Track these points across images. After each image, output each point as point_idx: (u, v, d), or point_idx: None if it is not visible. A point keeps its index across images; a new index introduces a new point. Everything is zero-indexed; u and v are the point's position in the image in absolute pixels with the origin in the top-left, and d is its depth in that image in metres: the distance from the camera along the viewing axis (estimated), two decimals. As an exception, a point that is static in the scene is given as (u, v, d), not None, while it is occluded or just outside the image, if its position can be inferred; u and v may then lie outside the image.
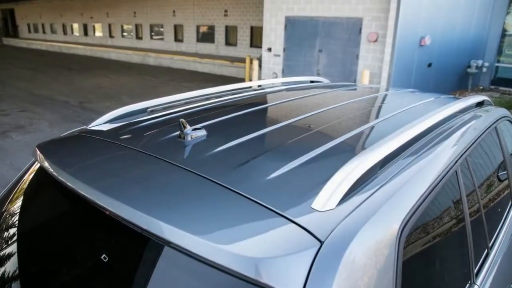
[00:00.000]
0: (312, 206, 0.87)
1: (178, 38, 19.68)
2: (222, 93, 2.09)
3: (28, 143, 5.89)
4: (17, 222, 1.24)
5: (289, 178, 1.00)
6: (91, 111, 8.11)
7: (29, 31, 33.01)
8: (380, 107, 1.97)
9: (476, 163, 1.54)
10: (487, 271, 1.42)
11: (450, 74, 10.73)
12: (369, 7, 8.61)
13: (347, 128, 1.44)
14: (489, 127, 1.76)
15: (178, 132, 1.29)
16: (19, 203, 1.29)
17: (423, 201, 1.01)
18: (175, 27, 19.62)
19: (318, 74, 9.82)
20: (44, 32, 30.97)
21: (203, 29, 18.45)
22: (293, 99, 1.95)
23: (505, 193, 1.87)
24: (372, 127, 1.49)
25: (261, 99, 2.04)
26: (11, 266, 1.11)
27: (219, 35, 17.69)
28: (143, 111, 1.70)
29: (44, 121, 7.27)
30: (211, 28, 17.99)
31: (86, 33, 26.45)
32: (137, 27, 22.03)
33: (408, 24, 8.35)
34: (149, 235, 0.84)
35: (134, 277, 0.90)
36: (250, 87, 2.38)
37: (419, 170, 1.10)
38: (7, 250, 1.16)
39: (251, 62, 11.54)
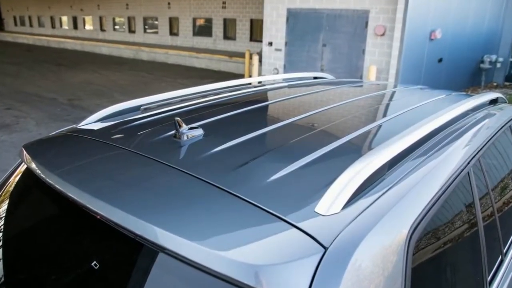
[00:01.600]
0: (316, 210, 0.87)
1: (173, 32, 19.68)
2: (220, 90, 2.09)
3: (14, 143, 5.89)
4: (2, 227, 1.24)
5: (291, 180, 1.00)
6: (80, 109, 8.11)
7: (15, 24, 33.00)
8: (387, 105, 1.97)
9: (489, 164, 1.54)
10: (501, 279, 1.42)
11: (462, 69, 10.73)
12: (376, -2, 8.61)
13: (352, 127, 1.44)
14: (503, 126, 1.76)
15: (173, 132, 1.29)
16: (4, 206, 1.29)
17: (433, 204, 1.01)
18: (170, 20, 19.61)
19: (322, 70, 9.82)
20: (31, 25, 30.95)
21: (200, 22, 18.44)
22: (296, 97, 1.95)
23: (520, 196, 1.87)
24: (379, 126, 1.49)
25: (261, 96, 2.04)
26: (-4, 273, 1.11)
27: (217, 29, 17.69)
28: (136, 109, 1.70)
29: (31, 119, 7.27)
30: (209, 21, 17.99)
31: (75, 26, 26.44)
32: (130, 20, 22.02)
33: (417, 17, 8.35)
34: (143, 240, 0.84)
35: (126, 285, 0.90)
36: (250, 83, 2.38)
37: (429, 172, 1.10)
38: (-8, 257, 1.16)
39: (250, 57, 11.54)
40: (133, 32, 21.91)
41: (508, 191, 1.75)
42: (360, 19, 8.97)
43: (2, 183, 1.37)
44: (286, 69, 10.60)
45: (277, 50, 10.65)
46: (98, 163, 1.16)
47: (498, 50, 11.99)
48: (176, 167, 1.06)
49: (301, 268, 0.73)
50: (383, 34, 8.68)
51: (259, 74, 11.07)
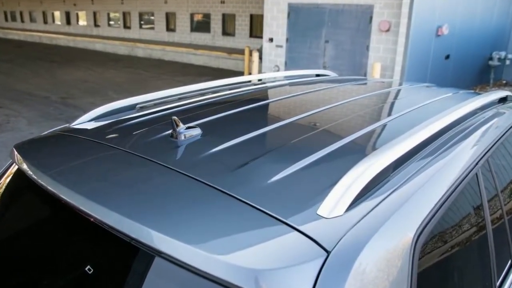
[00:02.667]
0: (318, 212, 0.87)
1: (170, 28, 19.67)
2: (218, 88, 2.09)
3: (5, 143, 5.89)
4: (-8, 230, 1.24)
5: (292, 182, 1.00)
6: (74, 108, 8.11)
7: (6, 20, 33.00)
8: (392, 103, 1.97)
9: (498, 165, 1.54)
10: (510, 284, 1.42)
11: (470, 67, 10.73)
12: (380, -7, 8.61)
13: (356, 126, 1.44)
14: (513, 126, 1.76)
15: (170, 131, 1.29)
16: (-5, 209, 1.29)
17: (440, 207, 1.01)
18: (167, 15, 19.60)
19: (324, 67, 9.82)
20: (22, 20, 30.95)
21: (198, 17, 18.43)
22: (297, 95, 1.95)
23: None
24: (384, 126, 1.49)
25: (261, 94, 2.04)
26: (-14, 278, 1.11)
27: (216, 24, 17.68)
28: (132, 107, 1.70)
29: (22, 118, 7.27)
30: (207, 17, 17.98)
31: (68, 22, 26.42)
32: (125, 15, 22.00)
33: (424, 12, 8.34)
34: (138, 244, 0.84)
35: (121, 290, 0.90)
36: (250, 81, 2.38)
37: (436, 173, 1.10)
38: (-18, 261, 1.16)
39: (250, 54, 11.54)
40: (129, 28, 21.90)
41: (517, 192, 1.75)
42: (364, 14, 8.97)
43: (-8, 185, 1.37)
44: (287, 66, 10.60)
45: (278, 46, 10.65)
46: (92, 163, 1.16)
47: (507, 47, 11.98)
48: (173, 168, 1.06)
49: (303, 272, 0.73)
50: (388, 30, 8.68)
51: (259, 72, 11.07)
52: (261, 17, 12.77)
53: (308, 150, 1.17)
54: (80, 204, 0.94)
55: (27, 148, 1.33)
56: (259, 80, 2.60)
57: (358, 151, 1.26)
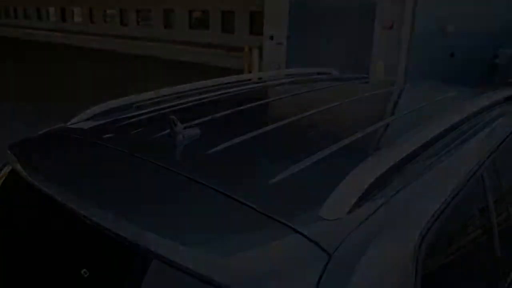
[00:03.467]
0: (320, 214, 0.87)
1: (168, 25, 19.66)
2: (217, 87, 2.09)
3: (-1, 143, 5.89)
4: (-14, 232, 1.24)
5: (293, 182, 1.00)
6: (69, 108, 8.10)
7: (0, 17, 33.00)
8: (396, 102, 1.97)
9: (505, 166, 1.54)
10: (517, 288, 1.42)
11: (475, 64, 10.72)
12: (384, -11, 8.61)
13: (358, 126, 1.44)
14: (519, 125, 1.76)
15: (168, 131, 1.29)
16: (-12, 210, 1.29)
17: (445, 209, 1.01)
18: (165, 12, 19.60)
19: (326, 65, 9.80)
20: (16, 17, 30.94)
21: (197, 14, 18.43)
22: (298, 94, 1.95)
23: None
24: (387, 125, 1.49)
25: (261, 93, 2.04)
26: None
27: (215, 21, 17.68)
28: (129, 107, 1.70)
29: (16, 118, 7.26)
30: (206, 13, 17.98)
31: (64, 19, 26.43)
32: (122, 12, 22.00)
33: (428, 8, 8.34)
34: (136, 247, 0.85)
35: (118, 294, 0.90)
36: (250, 80, 2.38)
37: (440, 174, 1.10)
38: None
39: (250, 52, 11.53)
40: (126, 25, 21.89)
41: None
42: (367, 11, 8.96)
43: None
44: (288, 64, 10.60)
45: (278, 44, 10.65)
46: (88, 164, 1.17)
47: (514, 44, 11.97)
48: (171, 168, 1.06)
49: (304, 275, 0.73)
50: (391, 27, 8.67)
51: (260, 70, 11.06)
52: (261, 14, 12.76)
53: (309, 150, 1.17)
54: (76, 205, 0.94)
55: (21, 148, 1.33)
56: (259, 78, 2.60)
57: (361, 151, 1.26)
